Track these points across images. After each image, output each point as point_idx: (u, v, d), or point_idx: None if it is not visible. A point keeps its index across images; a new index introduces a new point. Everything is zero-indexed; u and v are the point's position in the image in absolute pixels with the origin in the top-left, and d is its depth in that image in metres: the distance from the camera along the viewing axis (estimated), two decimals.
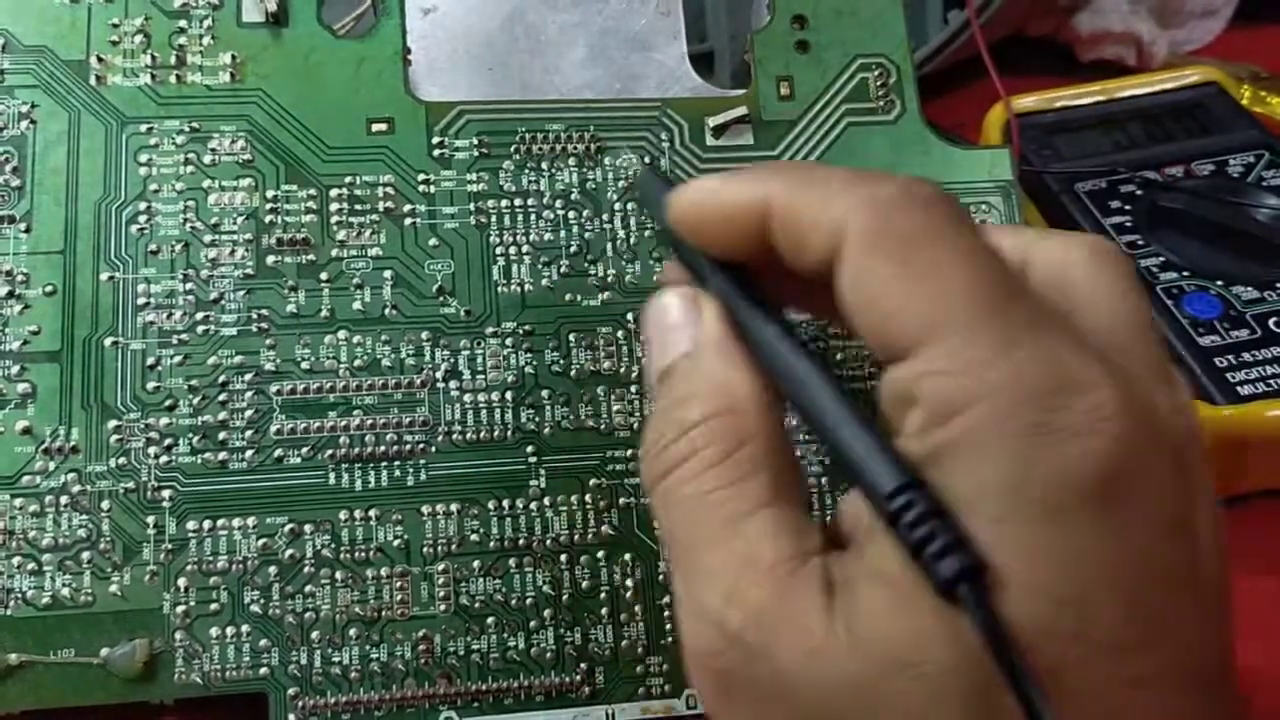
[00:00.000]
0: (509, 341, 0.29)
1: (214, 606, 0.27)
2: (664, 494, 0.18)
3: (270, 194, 0.29)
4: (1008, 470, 0.15)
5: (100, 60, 0.30)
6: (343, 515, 0.28)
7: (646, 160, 0.31)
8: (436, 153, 0.30)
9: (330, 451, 0.28)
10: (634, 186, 0.29)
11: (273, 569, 0.27)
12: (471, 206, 0.30)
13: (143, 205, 0.29)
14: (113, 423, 0.27)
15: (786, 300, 0.21)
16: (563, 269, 0.30)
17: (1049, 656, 0.15)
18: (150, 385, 0.28)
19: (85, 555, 0.27)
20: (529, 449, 0.29)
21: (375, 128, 0.30)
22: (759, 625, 0.16)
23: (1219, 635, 0.17)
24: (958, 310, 0.16)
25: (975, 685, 0.15)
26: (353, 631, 0.27)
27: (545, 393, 0.29)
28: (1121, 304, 0.18)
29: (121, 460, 0.27)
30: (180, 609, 0.27)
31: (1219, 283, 0.34)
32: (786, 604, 0.16)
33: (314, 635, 0.27)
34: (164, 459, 0.27)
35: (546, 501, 0.28)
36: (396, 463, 0.28)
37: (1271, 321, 0.33)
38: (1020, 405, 0.15)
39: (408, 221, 0.30)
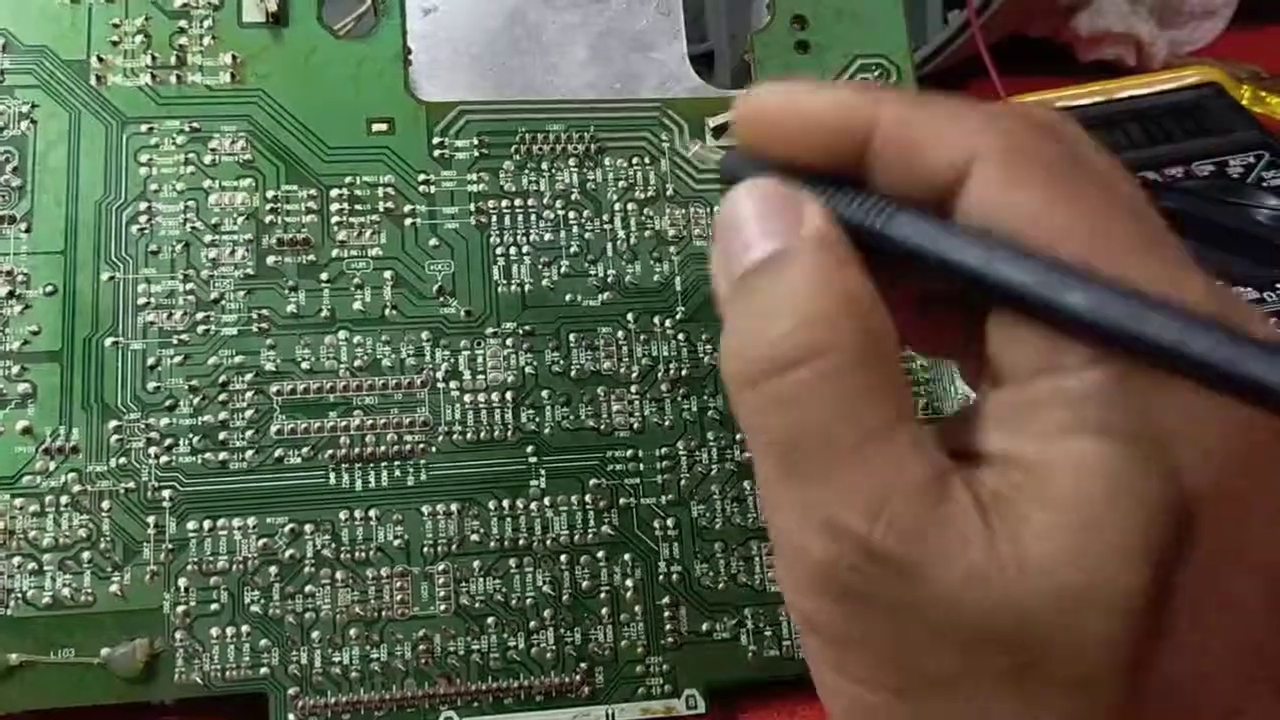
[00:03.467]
0: (509, 341, 0.29)
1: (214, 606, 0.27)
2: (775, 394, 0.16)
3: (270, 194, 0.29)
4: None
5: (101, 60, 0.30)
6: (343, 515, 0.28)
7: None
8: (437, 153, 0.30)
9: (330, 451, 0.28)
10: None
11: (273, 569, 0.27)
12: (472, 207, 0.30)
13: (143, 205, 0.29)
14: (113, 423, 0.27)
15: None
16: (563, 269, 0.30)
17: None
18: (150, 385, 0.28)
19: (85, 555, 0.27)
20: (529, 449, 0.29)
21: (375, 128, 0.30)
22: (914, 544, 0.15)
23: None
24: (1115, 240, 0.16)
25: (1152, 617, 0.14)
26: (353, 631, 0.27)
27: (545, 393, 0.29)
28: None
29: (122, 460, 0.27)
30: (180, 609, 0.27)
31: (1219, 283, 0.34)
32: (944, 523, 0.15)
33: (314, 635, 0.27)
34: (164, 459, 0.27)
35: (546, 501, 0.28)
36: (396, 463, 0.28)
37: (1272, 322, 0.33)
38: None
39: (408, 222, 0.30)
